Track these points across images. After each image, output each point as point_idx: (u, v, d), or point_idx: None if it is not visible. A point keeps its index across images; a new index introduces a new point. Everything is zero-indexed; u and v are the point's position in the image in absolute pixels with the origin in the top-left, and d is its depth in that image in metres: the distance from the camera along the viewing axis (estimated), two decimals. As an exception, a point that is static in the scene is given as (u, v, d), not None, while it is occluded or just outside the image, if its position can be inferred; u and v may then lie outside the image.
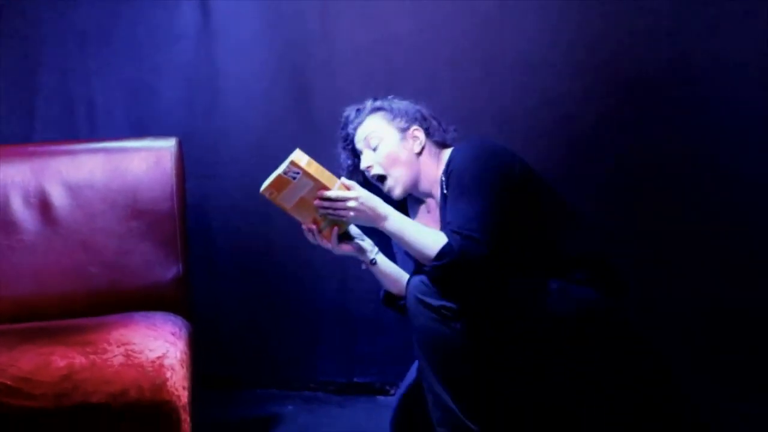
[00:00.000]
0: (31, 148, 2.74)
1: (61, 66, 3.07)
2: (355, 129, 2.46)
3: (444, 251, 2.11)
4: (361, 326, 2.98)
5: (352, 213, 2.19)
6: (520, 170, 2.24)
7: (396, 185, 2.39)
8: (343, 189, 2.20)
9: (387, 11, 2.91)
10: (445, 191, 2.26)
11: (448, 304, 2.13)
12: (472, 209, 2.15)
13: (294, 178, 2.16)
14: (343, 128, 2.51)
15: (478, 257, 2.09)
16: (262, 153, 2.99)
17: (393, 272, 2.39)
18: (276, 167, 2.16)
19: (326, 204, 2.19)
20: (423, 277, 2.16)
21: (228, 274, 3.08)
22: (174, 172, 2.64)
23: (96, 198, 2.62)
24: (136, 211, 2.61)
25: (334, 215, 2.22)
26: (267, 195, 2.20)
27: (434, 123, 2.46)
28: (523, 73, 2.83)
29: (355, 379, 3.06)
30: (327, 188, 2.18)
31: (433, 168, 2.41)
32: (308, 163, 2.17)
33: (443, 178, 2.28)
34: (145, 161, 2.65)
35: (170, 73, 3.05)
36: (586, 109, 2.81)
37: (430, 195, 2.43)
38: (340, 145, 2.51)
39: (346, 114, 2.51)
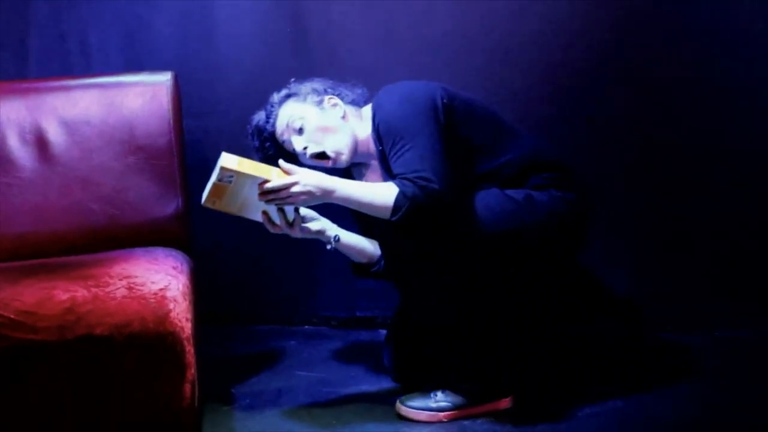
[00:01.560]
0: (25, 85, 2.70)
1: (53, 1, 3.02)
2: (273, 126, 2.40)
3: (398, 202, 2.07)
4: (362, 260, 2.99)
5: (300, 197, 2.13)
6: (442, 98, 2.19)
7: (338, 153, 2.34)
8: (282, 175, 2.14)
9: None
10: (380, 147, 2.21)
11: (423, 241, 2.11)
12: (411, 152, 2.11)
13: (230, 182, 2.11)
14: (256, 137, 2.44)
15: (433, 195, 2.06)
16: (259, 87, 2.92)
17: (357, 243, 2.38)
18: None
19: (271, 196, 2.14)
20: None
21: (228, 210, 3.06)
22: (170, 106, 2.61)
23: (92, 134, 2.59)
24: (133, 147, 2.58)
25: (281, 204, 2.17)
26: (210, 205, 2.16)
27: (341, 88, 2.43)
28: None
29: (358, 314, 3.07)
30: (266, 180, 2.12)
31: (361, 128, 2.37)
32: (239, 163, 2.12)
33: (373, 134, 2.24)
34: (141, 96, 2.61)
35: (164, 6, 2.99)
36: (586, 37, 2.79)
37: (369, 156, 2.38)
38: (259, 156, 2.40)
39: (255, 123, 2.45)
